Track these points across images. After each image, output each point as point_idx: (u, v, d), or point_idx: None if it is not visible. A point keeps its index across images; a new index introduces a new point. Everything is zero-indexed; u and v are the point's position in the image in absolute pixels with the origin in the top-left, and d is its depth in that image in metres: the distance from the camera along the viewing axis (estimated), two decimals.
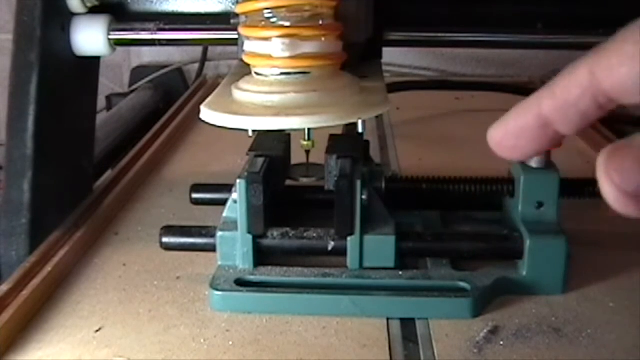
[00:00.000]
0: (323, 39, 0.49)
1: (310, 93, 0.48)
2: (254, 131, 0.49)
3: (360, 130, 0.48)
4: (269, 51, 0.49)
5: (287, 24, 0.48)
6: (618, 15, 0.61)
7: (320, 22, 0.49)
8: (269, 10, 0.48)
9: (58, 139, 0.65)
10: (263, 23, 0.49)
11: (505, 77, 1.27)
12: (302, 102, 0.48)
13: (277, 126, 0.46)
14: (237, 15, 0.53)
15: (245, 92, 0.50)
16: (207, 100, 0.51)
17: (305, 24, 0.49)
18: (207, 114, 0.49)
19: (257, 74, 0.51)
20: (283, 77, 0.49)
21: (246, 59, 0.51)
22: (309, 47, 0.49)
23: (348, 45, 0.52)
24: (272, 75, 0.50)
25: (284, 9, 0.48)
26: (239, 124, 0.47)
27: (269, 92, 0.48)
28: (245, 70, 0.53)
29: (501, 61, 1.30)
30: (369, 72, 0.57)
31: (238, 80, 0.52)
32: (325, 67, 0.50)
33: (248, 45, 0.51)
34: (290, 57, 0.48)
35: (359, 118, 0.47)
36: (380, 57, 0.64)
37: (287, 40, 0.48)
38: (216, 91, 0.53)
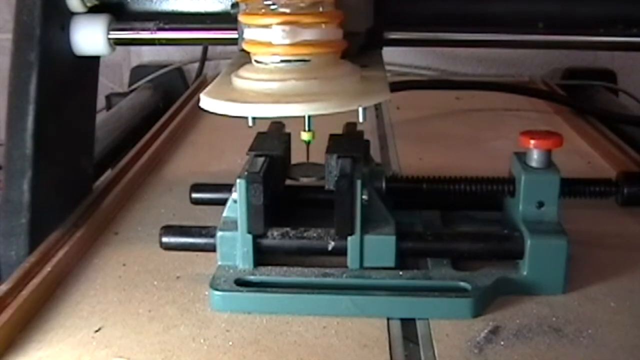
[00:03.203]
0: (323, 26, 0.49)
1: (310, 80, 0.48)
2: (254, 119, 0.48)
3: (360, 119, 0.47)
4: (268, 39, 0.48)
5: (287, 11, 0.48)
6: (619, 14, 0.61)
7: (321, 10, 0.49)
8: None
9: (57, 139, 0.64)
10: (263, 10, 0.49)
11: (506, 76, 1.27)
12: (302, 90, 0.47)
13: (277, 113, 0.46)
14: (236, 5, 0.53)
15: (245, 80, 0.49)
16: (206, 89, 0.50)
17: (305, 11, 0.48)
18: (206, 101, 0.48)
19: (257, 61, 0.50)
20: (283, 64, 0.49)
21: (246, 47, 0.51)
22: (309, 35, 0.48)
23: (349, 34, 0.52)
24: (272, 62, 0.49)
25: None
26: (238, 112, 0.46)
27: (269, 79, 0.48)
28: (245, 61, 0.52)
29: (502, 60, 1.30)
30: (369, 61, 0.57)
31: (238, 69, 0.51)
32: (326, 54, 0.49)
33: (248, 33, 0.50)
34: (290, 45, 0.48)
35: (360, 105, 0.47)
36: (381, 47, 0.64)
37: (287, 28, 0.47)
38: (216, 80, 0.53)
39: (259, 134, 0.61)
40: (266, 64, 0.49)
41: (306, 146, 0.56)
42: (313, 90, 0.47)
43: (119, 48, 0.68)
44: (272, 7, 0.48)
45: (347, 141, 0.58)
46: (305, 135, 0.54)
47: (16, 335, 0.48)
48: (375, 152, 0.79)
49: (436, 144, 0.90)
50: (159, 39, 0.68)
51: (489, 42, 0.69)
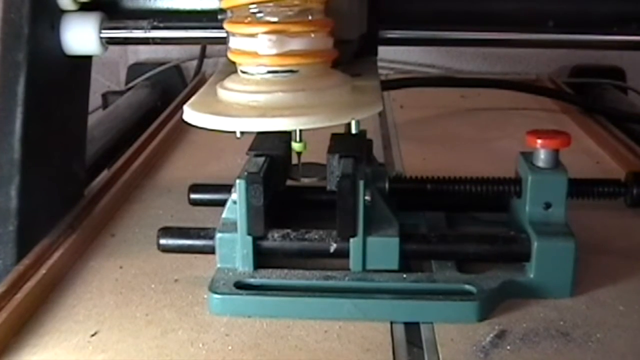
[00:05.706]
0: (312, 35, 0.48)
1: (298, 92, 0.46)
2: (242, 132, 0.47)
3: (353, 131, 0.47)
4: (254, 48, 0.47)
5: (274, 19, 0.47)
6: (633, 12, 0.60)
7: (310, 18, 0.48)
8: (255, 5, 0.47)
9: (47, 142, 0.63)
10: (249, 19, 0.47)
11: (512, 74, 1.26)
12: (290, 102, 0.46)
13: (263, 128, 0.45)
14: (223, 11, 0.52)
15: (230, 92, 0.48)
16: (191, 100, 0.49)
17: (293, 19, 0.47)
18: (190, 114, 0.47)
19: (242, 72, 0.49)
20: (270, 75, 0.48)
21: (231, 57, 0.49)
22: (297, 44, 0.47)
23: (340, 42, 0.51)
24: (258, 73, 0.48)
25: (271, 4, 0.46)
26: (222, 126, 0.45)
27: (255, 91, 0.47)
28: (233, 68, 0.51)
29: (508, 58, 1.30)
30: (362, 70, 0.56)
31: (224, 79, 0.50)
32: (315, 65, 0.48)
33: (233, 42, 0.49)
34: (277, 55, 0.47)
35: (353, 118, 0.46)
36: (376, 54, 0.62)
37: (273, 37, 0.46)
38: (201, 90, 0.52)
39: (259, 133, 0.60)
40: (252, 74, 0.48)
41: (297, 155, 0.55)
42: (301, 103, 0.46)
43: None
44: (258, 15, 0.47)
45: (349, 141, 0.57)
46: (296, 146, 0.53)
47: (10, 339, 0.48)
48: (378, 152, 0.78)
49: (440, 143, 0.89)
50: (152, 38, 0.67)
51: (498, 41, 0.68)
